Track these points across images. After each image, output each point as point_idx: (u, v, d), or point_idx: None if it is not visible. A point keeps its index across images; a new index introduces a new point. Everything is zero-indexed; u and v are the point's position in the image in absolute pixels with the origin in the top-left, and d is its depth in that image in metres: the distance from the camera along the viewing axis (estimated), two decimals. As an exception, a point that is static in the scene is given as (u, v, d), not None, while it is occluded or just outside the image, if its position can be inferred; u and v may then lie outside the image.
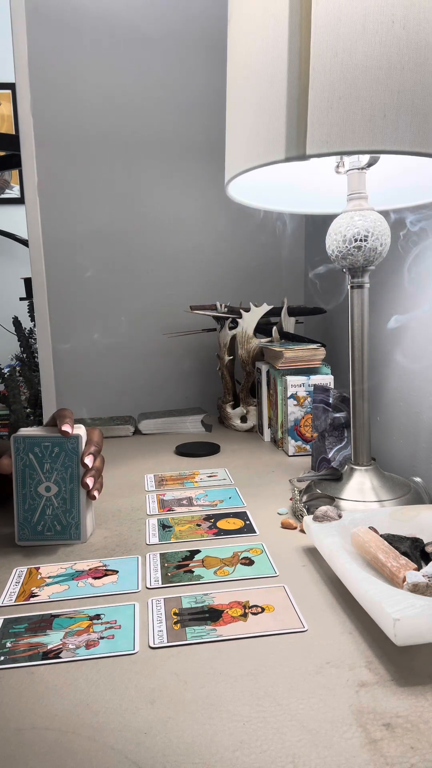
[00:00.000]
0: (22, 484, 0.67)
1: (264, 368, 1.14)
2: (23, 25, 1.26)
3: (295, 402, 1.02)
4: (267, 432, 1.14)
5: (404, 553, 0.55)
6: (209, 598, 0.55)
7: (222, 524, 0.73)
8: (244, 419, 1.24)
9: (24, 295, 2.39)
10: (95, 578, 0.60)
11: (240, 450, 1.08)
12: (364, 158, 0.69)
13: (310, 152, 0.58)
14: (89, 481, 0.67)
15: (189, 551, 0.65)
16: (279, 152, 0.59)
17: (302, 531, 0.70)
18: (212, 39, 1.33)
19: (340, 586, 0.55)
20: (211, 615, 0.52)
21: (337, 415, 0.86)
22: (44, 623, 0.52)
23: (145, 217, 1.38)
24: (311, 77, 0.57)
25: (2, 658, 0.47)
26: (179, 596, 0.55)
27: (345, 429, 0.87)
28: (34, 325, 1.54)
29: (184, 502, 0.81)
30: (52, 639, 0.49)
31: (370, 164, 0.70)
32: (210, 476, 0.92)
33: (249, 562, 0.62)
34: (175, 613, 0.52)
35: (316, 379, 1.02)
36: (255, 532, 0.70)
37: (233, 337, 1.23)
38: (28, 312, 2.11)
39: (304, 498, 0.75)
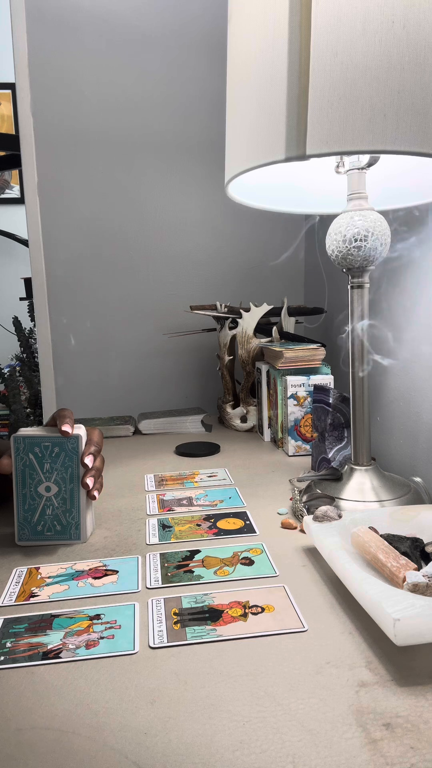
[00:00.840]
0: (22, 484, 0.67)
1: (264, 368, 1.14)
2: (23, 25, 1.26)
3: (295, 402, 1.02)
4: (267, 432, 1.14)
5: (404, 553, 0.55)
6: (209, 598, 0.55)
7: (222, 524, 0.73)
8: (244, 419, 1.24)
9: (24, 295, 2.40)
10: (95, 578, 0.60)
11: (240, 450, 1.08)
12: (364, 158, 0.69)
13: (310, 152, 0.58)
14: (89, 481, 0.67)
15: (189, 551, 0.65)
16: (279, 152, 0.59)
17: (302, 531, 0.70)
18: (212, 39, 1.33)
19: (340, 586, 0.55)
20: (211, 615, 0.52)
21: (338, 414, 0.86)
22: (44, 623, 0.52)
23: (145, 217, 1.38)
24: (311, 77, 0.57)
25: (2, 658, 0.47)
26: (179, 596, 0.55)
27: (345, 429, 0.87)
28: (34, 325, 1.54)
29: (184, 502, 0.81)
30: (52, 639, 0.49)
31: (370, 164, 0.70)
32: (210, 476, 0.92)
33: (249, 562, 0.62)
34: (175, 613, 0.52)
35: (316, 379, 1.02)
36: (255, 532, 0.70)
37: (233, 337, 1.23)
38: (28, 312, 2.11)
39: (304, 498, 0.75)
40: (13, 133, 2.63)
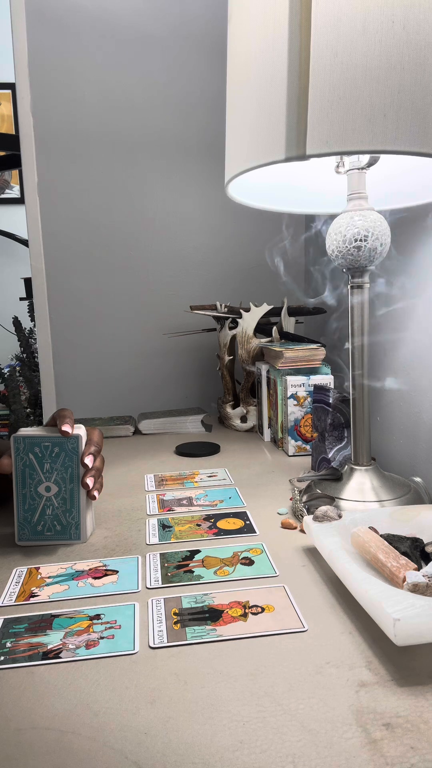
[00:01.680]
0: (22, 484, 0.67)
1: (264, 368, 1.14)
2: (23, 25, 1.26)
3: (295, 402, 1.02)
4: (267, 432, 1.14)
5: (404, 553, 0.55)
6: (209, 598, 0.55)
7: (222, 524, 0.73)
8: (244, 419, 1.24)
9: (24, 295, 2.40)
10: (95, 578, 0.60)
11: (240, 450, 1.08)
12: (364, 158, 0.69)
13: (310, 152, 0.58)
14: (89, 481, 0.67)
15: (189, 551, 0.65)
16: (279, 152, 0.59)
17: (302, 531, 0.70)
18: (212, 39, 1.33)
19: (340, 586, 0.55)
20: (211, 615, 0.52)
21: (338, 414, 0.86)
22: (44, 623, 0.52)
23: (145, 217, 1.38)
24: (311, 77, 0.57)
25: (2, 658, 0.47)
26: (179, 596, 0.55)
27: (345, 429, 0.87)
28: (34, 325, 1.54)
29: (184, 502, 0.81)
30: (52, 639, 0.49)
31: (370, 164, 0.70)
32: (210, 476, 0.92)
33: (249, 562, 0.62)
34: (175, 613, 0.52)
35: (316, 379, 1.02)
36: (255, 532, 0.70)
37: (233, 337, 1.23)
38: (28, 312, 2.11)
39: (304, 498, 0.75)
40: (13, 133, 2.63)
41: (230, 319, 1.22)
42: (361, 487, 0.73)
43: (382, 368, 0.97)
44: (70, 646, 0.48)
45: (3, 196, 2.85)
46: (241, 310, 1.19)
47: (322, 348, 1.06)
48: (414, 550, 0.56)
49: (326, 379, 1.03)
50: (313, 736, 0.37)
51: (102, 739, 0.38)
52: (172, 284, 1.41)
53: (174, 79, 1.35)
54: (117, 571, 0.61)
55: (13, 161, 2.27)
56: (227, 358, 1.24)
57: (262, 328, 1.20)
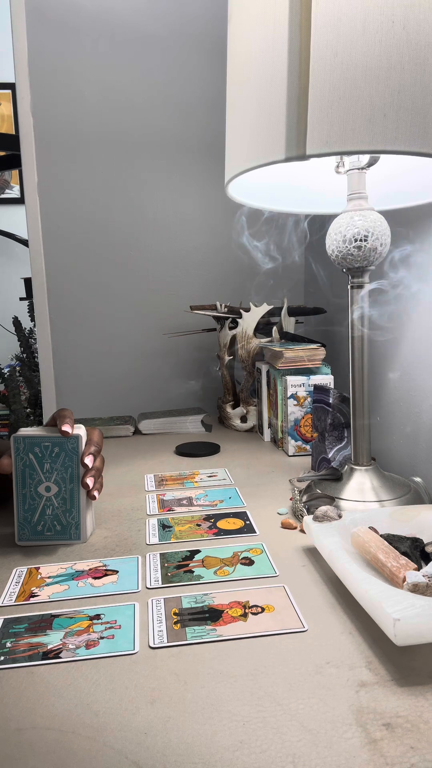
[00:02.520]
0: (22, 484, 0.67)
1: (264, 368, 1.14)
2: (23, 25, 1.26)
3: (295, 402, 1.02)
4: (267, 432, 1.14)
5: (404, 553, 0.55)
6: (209, 598, 0.55)
7: (222, 524, 0.73)
8: (244, 419, 1.24)
9: (24, 295, 2.40)
10: (95, 578, 0.60)
11: (240, 450, 1.08)
12: (364, 158, 0.69)
13: (310, 152, 0.58)
14: (89, 481, 0.67)
15: (189, 551, 0.65)
16: (279, 152, 0.59)
17: (302, 531, 0.70)
18: (212, 39, 1.33)
19: (340, 586, 0.55)
20: (211, 615, 0.52)
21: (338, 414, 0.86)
22: (44, 623, 0.52)
23: (145, 217, 1.38)
24: (311, 77, 0.57)
25: (2, 658, 0.47)
26: (179, 596, 0.55)
27: (345, 429, 0.87)
28: (34, 325, 1.54)
29: (184, 502, 0.81)
30: (52, 639, 0.49)
31: (370, 164, 0.70)
32: (210, 476, 0.92)
33: (249, 562, 0.62)
34: (175, 613, 0.52)
35: (316, 379, 1.02)
36: (255, 532, 0.70)
37: (233, 337, 1.23)
38: (28, 312, 2.11)
39: (304, 498, 0.75)
40: (13, 133, 2.63)
41: (230, 319, 1.22)
42: (361, 487, 0.73)
43: (382, 368, 0.97)
44: (70, 646, 0.48)
45: (3, 196, 2.85)
46: (241, 310, 1.19)
47: (322, 348, 1.06)
48: (414, 550, 0.56)
49: (326, 379, 1.03)
50: (313, 736, 0.37)
51: (102, 739, 0.38)
52: (172, 284, 1.41)
53: (174, 79, 1.35)
54: (117, 571, 0.61)
55: (13, 161, 2.28)
56: (227, 358, 1.24)
57: (262, 328, 1.20)
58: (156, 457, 1.05)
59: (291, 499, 0.80)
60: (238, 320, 1.19)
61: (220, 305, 1.26)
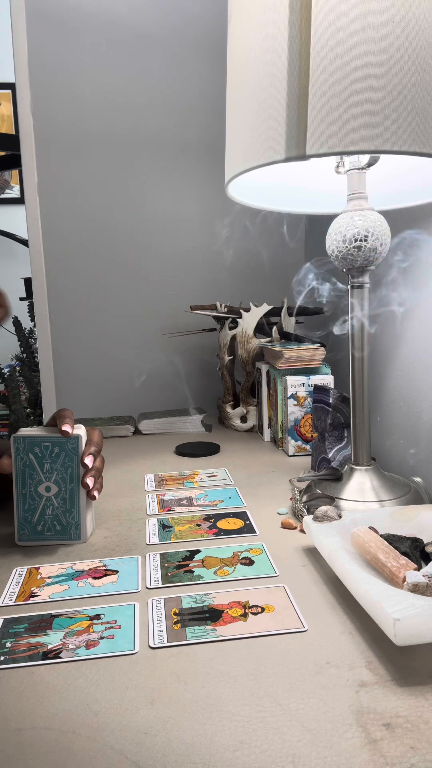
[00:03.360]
0: (22, 484, 0.67)
1: (264, 368, 1.14)
2: (23, 25, 1.26)
3: (295, 402, 1.02)
4: (267, 432, 1.14)
5: (404, 553, 0.55)
6: (209, 598, 0.55)
7: (222, 524, 0.73)
8: (244, 419, 1.24)
9: (24, 295, 2.39)
10: (95, 578, 0.60)
11: (240, 450, 1.08)
12: (364, 158, 0.69)
13: (310, 152, 0.58)
14: (89, 481, 0.67)
15: (189, 551, 0.65)
16: (279, 152, 0.59)
17: (302, 531, 0.69)
18: (212, 39, 1.33)
19: (340, 586, 0.55)
20: (211, 615, 0.52)
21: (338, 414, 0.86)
22: (44, 623, 0.52)
23: (145, 217, 1.38)
24: (311, 77, 0.57)
25: (2, 658, 0.47)
26: (179, 596, 0.55)
27: (345, 429, 0.87)
28: (34, 325, 1.54)
29: (184, 502, 0.81)
30: (52, 639, 0.49)
31: (370, 164, 0.70)
32: (210, 476, 0.92)
33: (249, 562, 0.62)
34: (175, 613, 0.52)
35: (316, 379, 1.02)
36: (255, 532, 0.70)
37: (233, 337, 1.23)
38: (28, 312, 2.11)
39: (304, 498, 0.75)
40: (13, 133, 2.63)
41: (230, 319, 1.22)
42: (361, 487, 0.73)
43: (382, 368, 0.97)
44: (70, 646, 0.48)
45: (3, 196, 2.85)
46: (241, 310, 1.19)
47: (322, 348, 1.06)
48: (414, 550, 0.56)
49: (326, 379, 1.03)
50: (313, 736, 0.37)
51: (102, 739, 0.38)
52: (172, 284, 1.41)
53: (174, 79, 1.35)
54: (117, 571, 0.61)
55: (13, 161, 2.28)
56: (227, 358, 1.24)
57: (262, 328, 1.20)
58: (156, 457, 1.05)
59: (291, 499, 0.80)
60: (238, 320, 1.19)
61: (220, 305, 1.26)
